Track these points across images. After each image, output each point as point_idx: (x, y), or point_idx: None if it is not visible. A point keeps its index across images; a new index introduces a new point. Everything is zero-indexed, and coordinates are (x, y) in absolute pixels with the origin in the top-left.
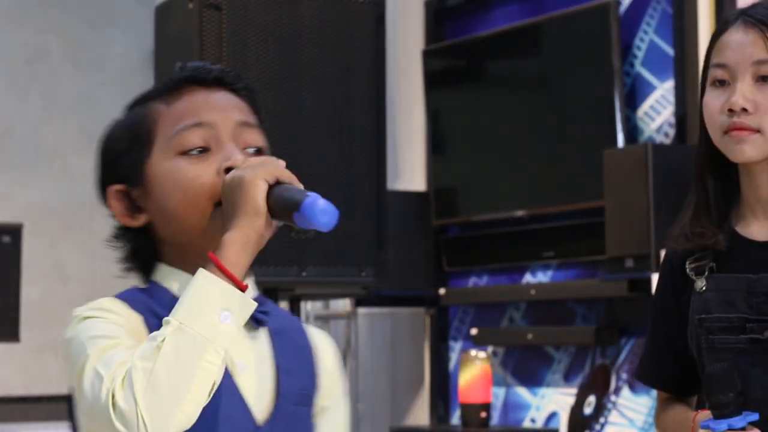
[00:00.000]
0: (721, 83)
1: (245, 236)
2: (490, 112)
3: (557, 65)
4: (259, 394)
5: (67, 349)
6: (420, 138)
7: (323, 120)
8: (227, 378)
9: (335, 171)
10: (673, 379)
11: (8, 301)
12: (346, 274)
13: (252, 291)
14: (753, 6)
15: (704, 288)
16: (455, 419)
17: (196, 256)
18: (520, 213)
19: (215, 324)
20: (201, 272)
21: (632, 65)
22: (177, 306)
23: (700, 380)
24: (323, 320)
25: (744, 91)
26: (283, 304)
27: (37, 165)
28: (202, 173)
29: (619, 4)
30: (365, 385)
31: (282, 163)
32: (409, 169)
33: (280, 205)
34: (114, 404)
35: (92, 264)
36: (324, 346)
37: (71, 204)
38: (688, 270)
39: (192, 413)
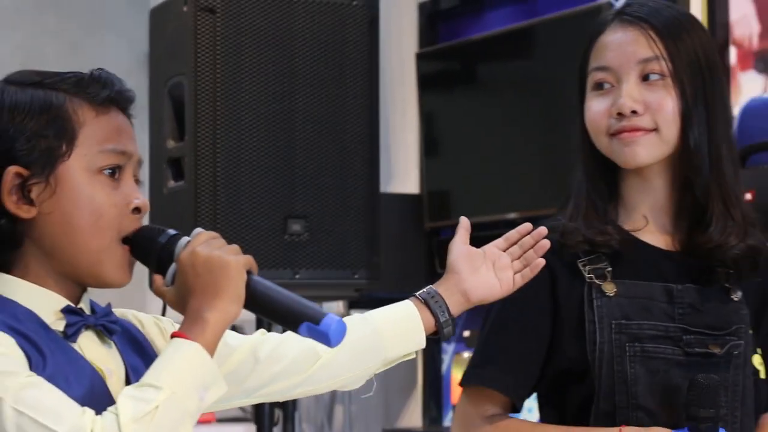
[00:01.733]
0: (602, 86)
1: (225, 320)
2: (484, 115)
3: (551, 68)
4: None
5: None
6: (413, 140)
7: (317, 122)
8: (102, 385)
9: (329, 173)
10: (523, 387)
11: None
12: (339, 276)
13: (86, 302)
14: (628, 4)
15: (615, 292)
16: (448, 421)
17: (64, 273)
18: (513, 215)
19: (196, 400)
20: (195, 346)
21: None
22: (165, 369)
23: (538, 390)
24: None
25: (631, 92)
26: None
27: None
28: (119, 204)
29: (612, 6)
30: (356, 389)
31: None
32: (402, 171)
33: (280, 307)
34: None
35: None
36: (150, 327)
37: None
38: (585, 271)
39: None
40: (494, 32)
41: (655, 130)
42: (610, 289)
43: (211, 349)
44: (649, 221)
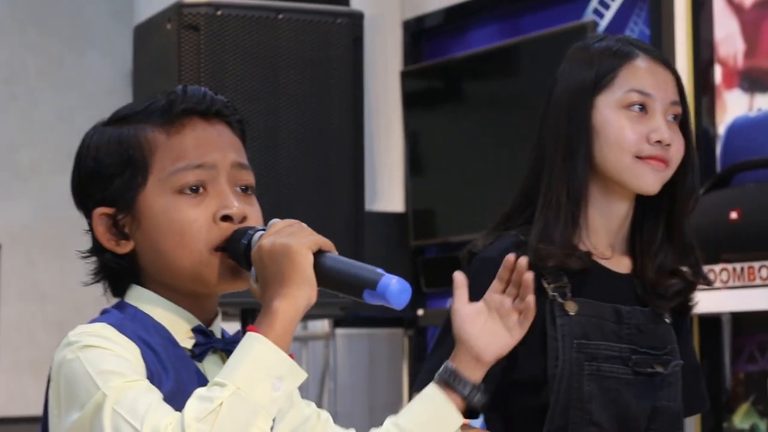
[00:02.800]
0: (638, 108)
1: (296, 306)
2: (469, 133)
3: (535, 86)
4: None
5: (67, 379)
6: (398, 159)
7: (301, 140)
8: None
9: (313, 191)
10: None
11: None
12: (323, 294)
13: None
14: (646, 46)
15: (576, 311)
16: None
17: (180, 292)
18: None
19: (269, 392)
20: (258, 338)
21: None
22: (232, 368)
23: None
24: (301, 341)
25: (667, 126)
26: None
27: (15, 184)
28: (200, 217)
29: (597, 25)
30: (343, 406)
31: (308, 228)
32: (387, 189)
33: (342, 279)
34: None
35: (69, 284)
36: None
37: (49, 223)
38: (549, 289)
39: None
40: (478, 50)
41: (668, 166)
42: (571, 308)
43: (283, 339)
44: (606, 245)
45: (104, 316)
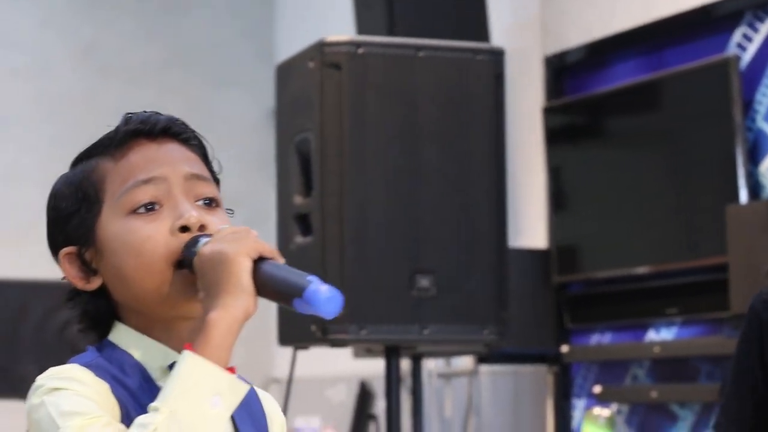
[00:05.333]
0: None
1: (231, 317)
2: (611, 168)
3: (678, 121)
4: None
5: (34, 424)
6: (541, 195)
7: (443, 177)
8: None
9: (456, 228)
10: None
11: None
12: (467, 331)
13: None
14: None
15: None
16: None
17: (154, 319)
18: (642, 269)
19: (207, 410)
20: (189, 356)
21: (754, 120)
22: (165, 392)
23: None
24: (445, 378)
25: None
26: (405, 363)
27: None
28: (155, 233)
29: (739, 59)
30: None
31: (255, 233)
32: (530, 226)
33: (274, 287)
34: None
35: None
36: (274, 412)
37: None
38: None
39: None
40: (621, 86)
41: None
42: None
43: (219, 353)
44: None
45: (79, 356)
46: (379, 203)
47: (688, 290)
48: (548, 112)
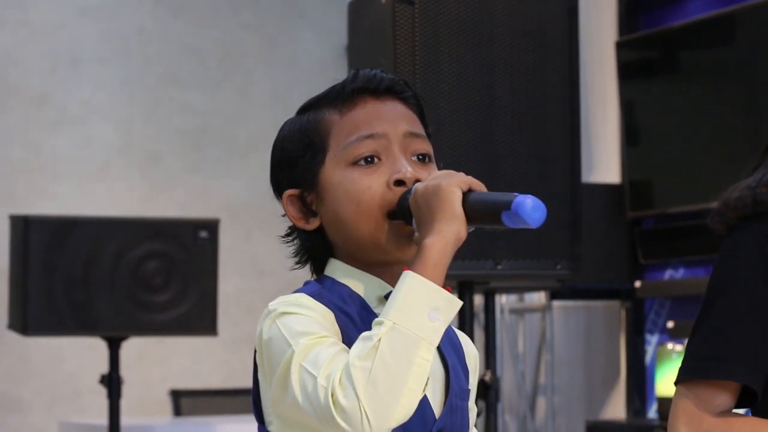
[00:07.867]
0: None
1: (445, 240)
2: (685, 103)
3: (753, 55)
4: (434, 389)
5: (266, 345)
6: (614, 130)
7: (516, 113)
8: None
9: (529, 164)
10: (760, 376)
11: (206, 295)
12: (540, 267)
13: None
14: None
15: None
16: (652, 413)
17: (368, 261)
18: (716, 204)
19: (425, 322)
20: (409, 275)
21: None
22: (388, 306)
23: None
24: (518, 313)
25: None
26: (478, 298)
27: (232, 161)
28: (373, 184)
29: None
30: (560, 379)
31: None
32: (603, 161)
33: (484, 207)
34: (335, 402)
35: (286, 258)
36: (469, 348)
37: (266, 199)
38: None
39: (410, 407)
40: (695, 19)
41: None
42: None
43: (434, 272)
44: None
45: (304, 287)
46: (452, 139)
47: None
48: (621, 46)
